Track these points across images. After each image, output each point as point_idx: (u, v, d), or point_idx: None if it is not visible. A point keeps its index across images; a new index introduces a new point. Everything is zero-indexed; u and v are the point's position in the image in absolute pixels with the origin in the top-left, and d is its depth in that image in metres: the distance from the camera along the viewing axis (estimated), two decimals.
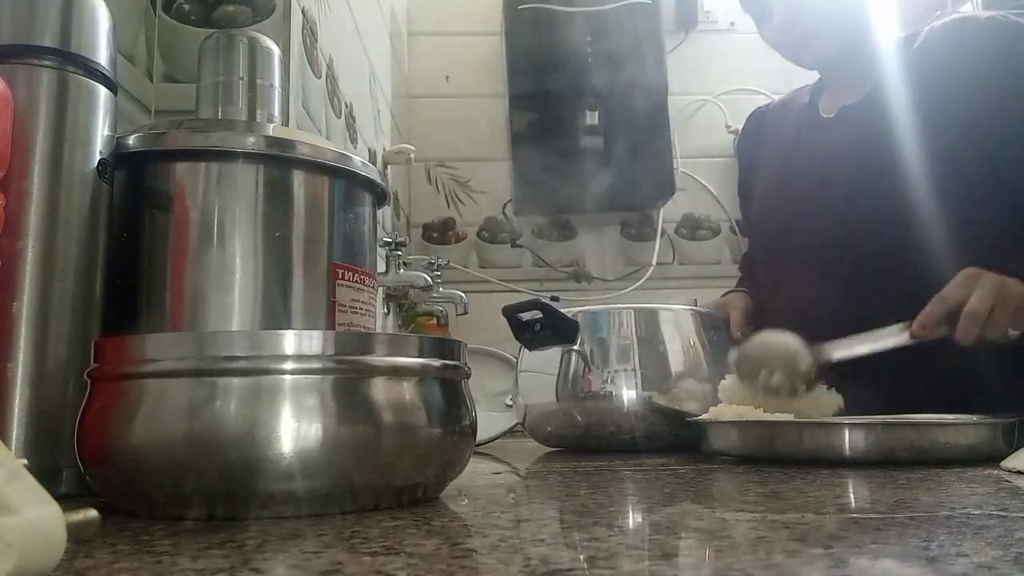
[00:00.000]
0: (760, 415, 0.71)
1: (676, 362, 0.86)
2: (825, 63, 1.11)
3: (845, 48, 1.07)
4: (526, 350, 0.90)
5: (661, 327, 0.87)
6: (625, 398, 0.83)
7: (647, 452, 0.82)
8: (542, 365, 0.88)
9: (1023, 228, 0.95)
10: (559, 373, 0.86)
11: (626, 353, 0.85)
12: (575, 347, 0.85)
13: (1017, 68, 0.96)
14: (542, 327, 0.85)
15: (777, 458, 0.64)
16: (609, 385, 0.84)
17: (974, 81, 0.97)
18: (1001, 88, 0.96)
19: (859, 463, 0.60)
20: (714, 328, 0.91)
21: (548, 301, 0.87)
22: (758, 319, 1.07)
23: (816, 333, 0.94)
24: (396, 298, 1.60)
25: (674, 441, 0.84)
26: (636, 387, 0.84)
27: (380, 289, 1.48)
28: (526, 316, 0.85)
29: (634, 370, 0.84)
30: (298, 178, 0.58)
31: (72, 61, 0.51)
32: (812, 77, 1.25)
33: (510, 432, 1.02)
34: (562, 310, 0.89)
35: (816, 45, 1.07)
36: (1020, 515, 0.38)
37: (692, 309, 0.90)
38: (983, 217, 0.95)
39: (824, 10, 1.05)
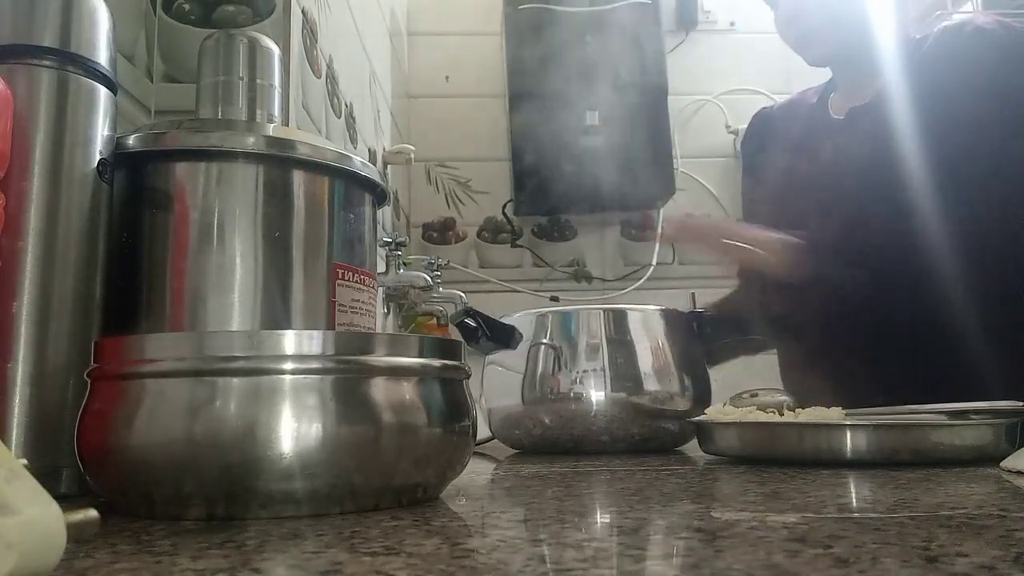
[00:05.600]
0: (760, 416, 0.71)
1: (645, 363, 0.85)
2: (827, 60, 1.12)
3: (848, 46, 1.07)
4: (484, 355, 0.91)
5: (630, 328, 0.87)
6: (594, 399, 0.83)
7: (616, 453, 0.81)
8: (512, 365, 0.88)
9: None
10: (525, 374, 0.86)
11: (595, 353, 0.85)
12: (545, 343, 0.85)
13: (1019, 77, 0.97)
14: (482, 332, 0.86)
15: (777, 459, 0.64)
16: (578, 386, 0.83)
17: (980, 87, 0.97)
18: (1004, 97, 0.96)
19: (860, 464, 0.60)
20: (684, 328, 0.90)
21: (477, 314, 0.87)
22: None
23: (829, 328, 0.95)
24: (396, 298, 1.60)
25: (644, 444, 0.83)
26: (605, 388, 0.83)
27: (380, 289, 1.48)
28: (469, 323, 0.86)
29: (603, 370, 0.84)
30: (298, 178, 0.58)
31: (72, 61, 0.51)
32: (812, 78, 1.25)
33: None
34: (519, 313, 0.90)
35: (817, 42, 1.08)
36: (1020, 515, 0.38)
37: (661, 309, 0.90)
38: (990, 222, 0.95)
39: (825, 8, 1.06)
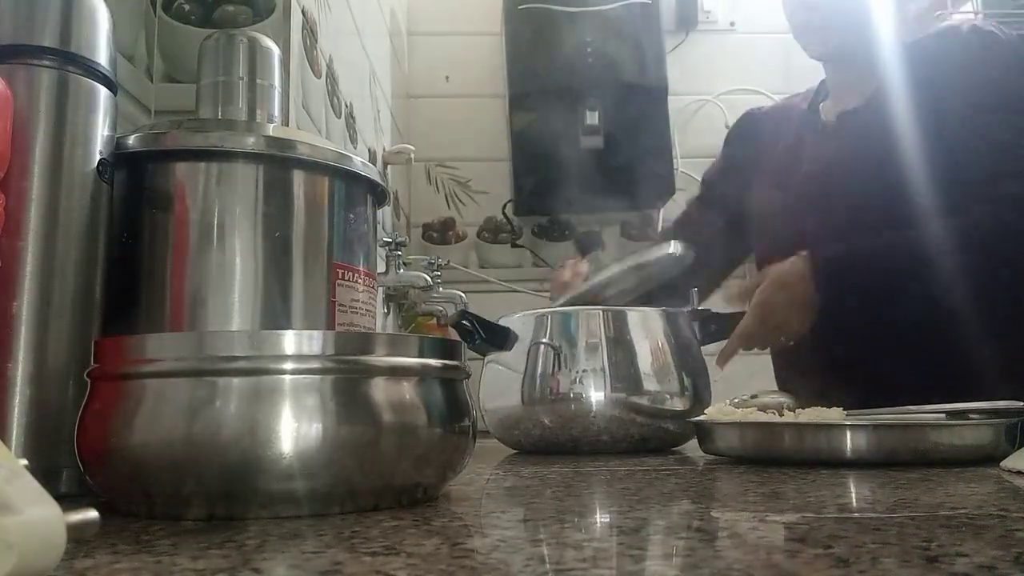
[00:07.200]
0: (760, 416, 0.71)
1: (644, 363, 0.85)
2: (828, 56, 1.12)
3: (851, 45, 1.08)
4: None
5: (629, 328, 0.87)
6: (594, 399, 0.83)
7: (615, 453, 0.81)
8: (512, 365, 0.88)
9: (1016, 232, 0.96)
10: (525, 373, 0.86)
11: (595, 353, 0.84)
12: (543, 344, 0.85)
13: (989, 81, 0.98)
14: (478, 334, 0.86)
15: (777, 459, 0.64)
16: (578, 386, 0.83)
17: (977, 91, 0.99)
18: (980, 103, 0.98)
19: (860, 464, 0.60)
20: (683, 328, 0.90)
21: (471, 311, 0.88)
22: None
23: (824, 332, 0.95)
24: (396, 298, 1.60)
25: (643, 444, 0.83)
26: (605, 388, 0.83)
27: (380, 289, 1.48)
28: (465, 324, 0.87)
29: (603, 371, 0.83)
30: (298, 178, 0.58)
31: (72, 61, 0.51)
32: (811, 79, 1.25)
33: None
34: (518, 314, 0.89)
35: (823, 36, 1.08)
36: (1020, 515, 0.38)
37: (661, 309, 0.90)
38: (983, 222, 0.96)
39: (838, 3, 1.06)
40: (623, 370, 0.84)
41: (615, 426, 0.82)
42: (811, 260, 0.94)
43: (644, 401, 0.83)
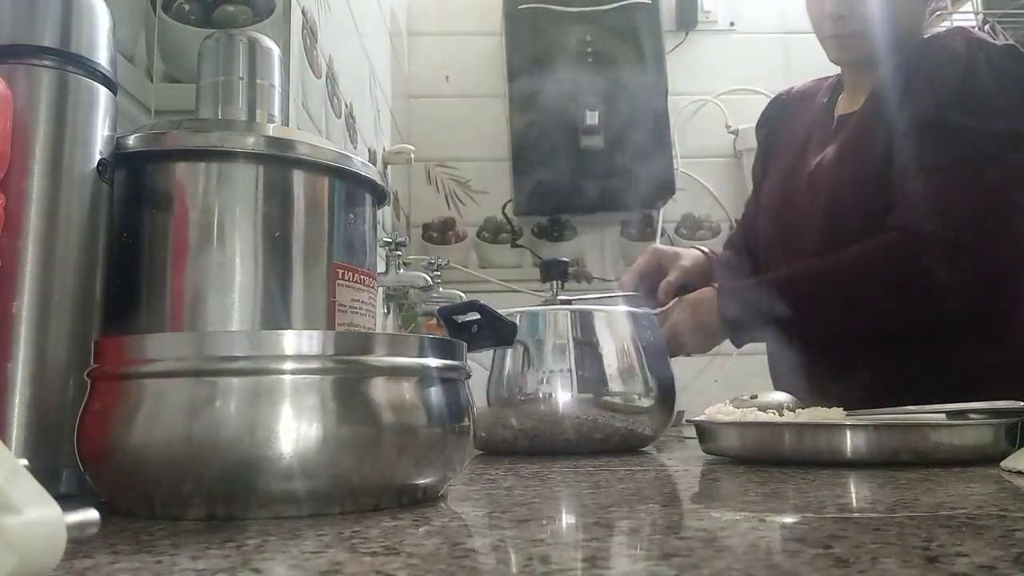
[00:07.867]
0: (760, 416, 0.71)
1: (610, 363, 0.84)
2: (850, 63, 1.12)
3: (873, 54, 1.08)
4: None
5: (596, 328, 0.86)
6: (561, 400, 0.82)
7: (584, 455, 0.80)
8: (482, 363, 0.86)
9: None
10: (491, 373, 0.84)
11: (562, 353, 0.84)
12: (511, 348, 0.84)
13: (949, 91, 0.99)
14: (479, 328, 0.84)
15: (777, 459, 0.64)
16: (545, 386, 0.82)
17: (929, 103, 0.99)
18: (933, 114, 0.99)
19: (860, 464, 0.60)
20: (650, 328, 0.90)
21: (485, 303, 0.86)
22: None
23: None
24: (396, 298, 1.60)
25: (610, 445, 0.83)
26: (572, 388, 0.82)
27: (380, 289, 1.48)
28: (462, 318, 0.85)
29: (570, 371, 0.83)
30: (298, 178, 0.58)
31: (72, 61, 0.51)
32: (810, 78, 1.25)
33: None
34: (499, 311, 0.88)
35: (856, 46, 1.08)
36: (1020, 515, 0.38)
37: (628, 310, 0.89)
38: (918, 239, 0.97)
39: (870, 14, 1.06)
40: (590, 370, 0.83)
41: (581, 426, 0.81)
42: (718, 291, 1.03)
43: (610, 401, 0.83)
